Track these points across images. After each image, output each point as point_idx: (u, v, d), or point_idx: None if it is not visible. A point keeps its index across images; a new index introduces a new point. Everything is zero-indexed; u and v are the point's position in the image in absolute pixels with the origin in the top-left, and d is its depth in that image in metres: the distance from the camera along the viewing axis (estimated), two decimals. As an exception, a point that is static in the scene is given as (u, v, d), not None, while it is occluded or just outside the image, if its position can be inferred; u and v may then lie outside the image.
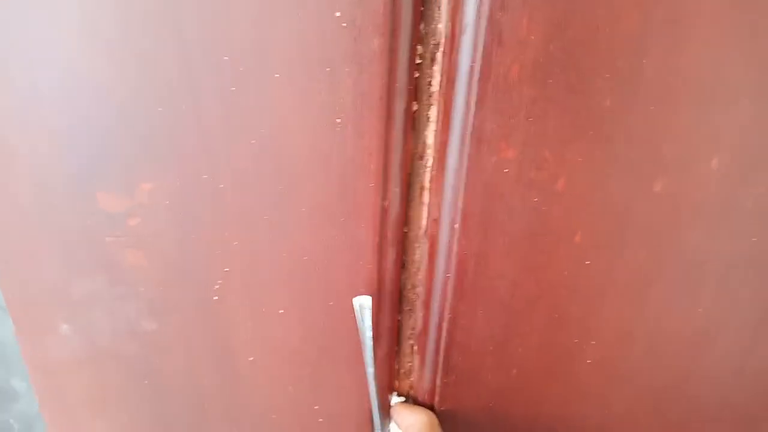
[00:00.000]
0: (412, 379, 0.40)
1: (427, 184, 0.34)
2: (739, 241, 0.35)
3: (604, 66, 0.29)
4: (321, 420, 0.39)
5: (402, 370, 0.40)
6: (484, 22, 0.28)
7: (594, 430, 0.41)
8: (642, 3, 0.27)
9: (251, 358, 0.36)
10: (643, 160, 0.32)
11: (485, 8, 0.27)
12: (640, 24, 0.28)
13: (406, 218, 0.34)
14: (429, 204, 0.34)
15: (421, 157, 0.33)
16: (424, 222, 0.35)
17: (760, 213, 0.34)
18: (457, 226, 0.33)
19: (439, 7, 0.29)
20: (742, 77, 0.30)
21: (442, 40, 0.30)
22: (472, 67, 0.29)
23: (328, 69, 0.27)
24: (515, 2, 0.27)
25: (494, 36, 0.28)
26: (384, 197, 0.32)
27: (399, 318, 0.38)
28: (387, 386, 0.39)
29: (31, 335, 0.34)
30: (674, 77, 0.30)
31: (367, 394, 0.36)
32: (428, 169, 0.33)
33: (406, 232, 0.35)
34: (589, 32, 0.28)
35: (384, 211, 0.32)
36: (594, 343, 0.38)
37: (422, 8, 0.29)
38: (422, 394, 0.40)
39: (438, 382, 0.38)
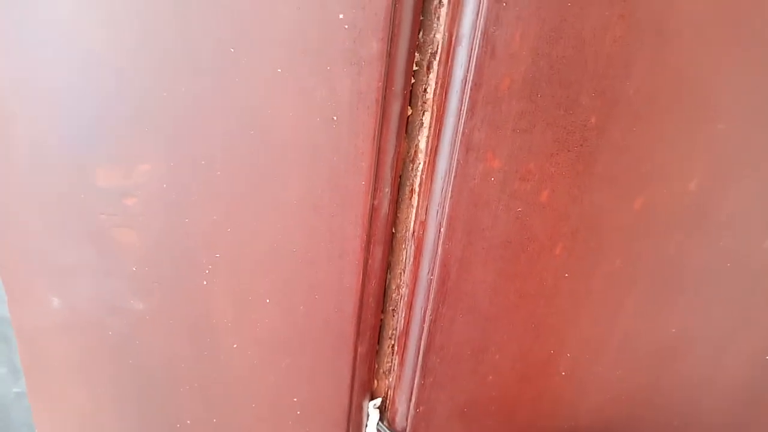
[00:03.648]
0: (390, 379, 0.41)
1: (416, 188, 0.35)
2: (712, 256, 0.36)
3: (591, 83, 0.30)
4: (298, 413, 0.39)
5: (381, 370, 0.41)
6: (479, 35, 0.29)
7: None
8: (627, 15, 0.29)
9: (235, 345, 0.36)
10: (625, 178, 0.33)
11: (481, 22, 0.29)
12: (625, 42, 0.29)
13: (394, 219, 0.36)
14: (417, 207, 0.35)
15: (413, 161, 0.34)
16: (411, 224, 0.36)
17: (732, 229, 0.35)
18: (442, 229, 0.34)
19: (438, 18, 0.30)
20: (718, 99, 0.32)
21: (439, 50, 0.31)
22: (465, 78, 0.30)
23: (328, 67, 0.29)
24: (509, 17, 0.28)
25: (488, 49, 0.29)
26: (374, 196, 0.33)
27: (382, 317, 0.39)
28: (365, 385, 0.40)
29: (20, 304, 0.35)
30: (656, 98, 0.31)
31: (344, 390, 0.37)
32: (419, 173, 0.34)
33: (393, 233, 0.36)
34: (576, 48, 0.29)
35: (373, 210, 0.33)
36: (569, 355, 0.39)
37: (422, 18, 0.30)
38: (399, 395, 0.40)
39: (416, 383, 0.39)
